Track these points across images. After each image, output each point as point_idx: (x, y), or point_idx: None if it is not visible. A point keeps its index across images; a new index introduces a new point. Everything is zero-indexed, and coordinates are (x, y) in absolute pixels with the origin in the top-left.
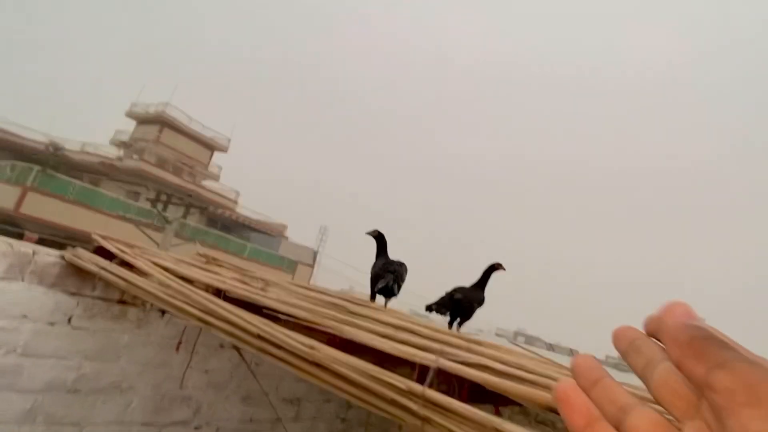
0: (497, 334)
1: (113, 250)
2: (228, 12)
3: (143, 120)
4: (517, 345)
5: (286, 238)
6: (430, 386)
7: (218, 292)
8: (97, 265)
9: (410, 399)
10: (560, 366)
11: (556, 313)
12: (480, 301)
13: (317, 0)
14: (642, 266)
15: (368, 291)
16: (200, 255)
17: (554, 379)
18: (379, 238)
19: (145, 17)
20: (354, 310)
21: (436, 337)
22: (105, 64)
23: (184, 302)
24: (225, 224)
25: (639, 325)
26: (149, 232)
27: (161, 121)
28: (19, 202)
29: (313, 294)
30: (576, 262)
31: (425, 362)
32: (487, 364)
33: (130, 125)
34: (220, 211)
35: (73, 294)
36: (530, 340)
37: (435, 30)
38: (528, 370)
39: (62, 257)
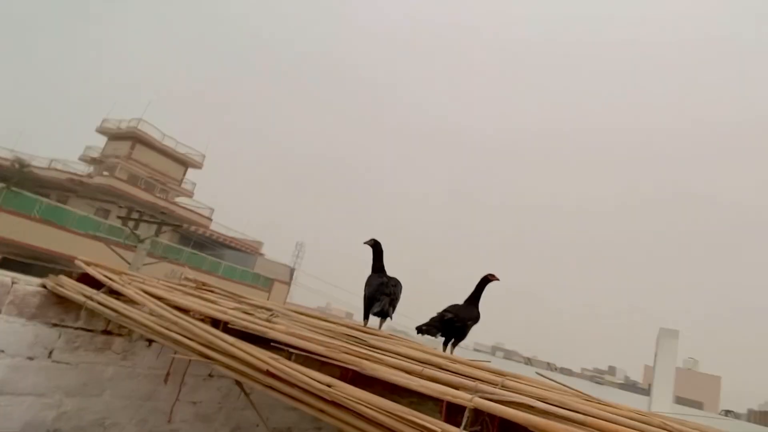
0: (475, 349)
1: (100, 278)
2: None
3: (115, 136)
4: (542, 375)
5: (262, 255)
6: (465, 428)
7: (216, 323)
8: (83, 294)
9: None
10: (602, 403)
11: (531, 327)
12: (474, 318)
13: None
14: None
15: (346, 308)
16: (188, 279)
17: (604, 420)
18: (376, 247)
19: (117, 29)
20: (372, 343)
21: (466, 372)
22: (74, 78)
23: (181, 335)
24: (199, 242)
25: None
26: (120, 251)
27: (133, 137)
28: None
29: (322, 324)
30: (551, 280)
31: (459, 402)
32: (528, 403)
33: (101, 141)
34: (193, 228)
35: (54, 325)
36: (509, 354)
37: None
38: (571, 408)
39: (44, 286)
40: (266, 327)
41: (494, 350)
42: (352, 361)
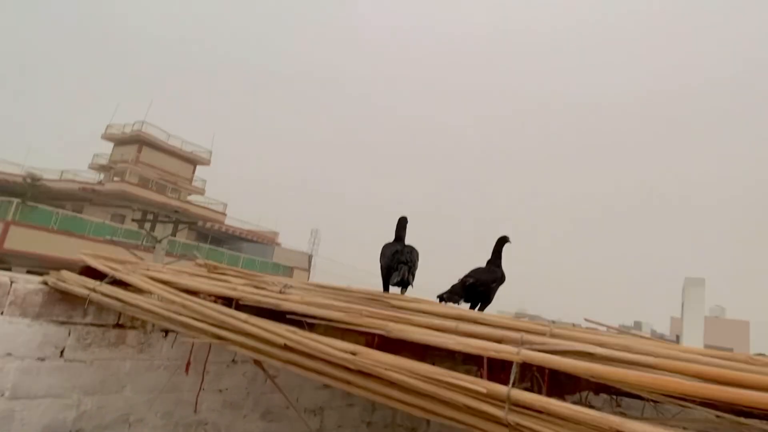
0: None
1: (103, 269)
2: (194, 18)
3: (121, 141)
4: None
5: (279, 244)
6: (514, 385)
7: (229, 302)
8: (86, 287)
9: (492, 404)
10: (665, 343)
11: (553, 288)
12: (498, 279)
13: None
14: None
15: (370, 289)
16: (201, 265)
17: (681, 360)
18: (400, 222)
19: (107, 32)
20: (396, 304)
21: (507, 324)
22: (74, 86)
23: (192, 318)
24: (216, 237)
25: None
26: (140, 253)
27: (139, 140)
28: (2, 237)
29: (340, 291)
30: (569, 239)
31: (504, 356)
32: (586, 350)
33: (108, 148)
34: (209, 224)
35: (62, 323)
36: (532, 319)
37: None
38: (638, 350)
39: (45, 283)
40: (280, 299)
41: (518, 317)
42: (375, 324)
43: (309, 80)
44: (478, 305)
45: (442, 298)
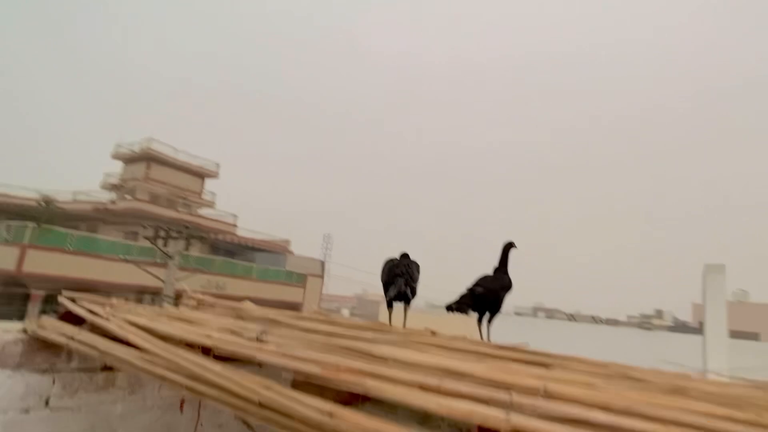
0: (516, 313)
1: (81, 313)
2: (195, 31)
3: (130, 159)
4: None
5: (291, 252)
6: None
7: (208, 349)
8: (64, 335)
9: None
10: (689, 379)
11: (570, 281)
12: (506, 287)
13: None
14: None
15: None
16: (191, 297)
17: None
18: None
19: (112, 52)
20: (377, 352)
21: (497, 377)
22: (82, 108)
23: (166, 369)
24: (228, 249)
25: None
26: (154, 269)
27: (148, 158)
28: (20, 261)
29: (327, 329)
30: (579, 225)
31: (492, 423)
32: (584, 417)
33: (118, 167)
34: (221, 237)
35: (46, 371)
36: (550, 313)
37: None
38: (642, 413)
39: (25, 330)
40: (254, 349)
41: (535, 311)
42: (352, 381)
43: (311, 95)
44: (486, 314)
45: (450, 308)
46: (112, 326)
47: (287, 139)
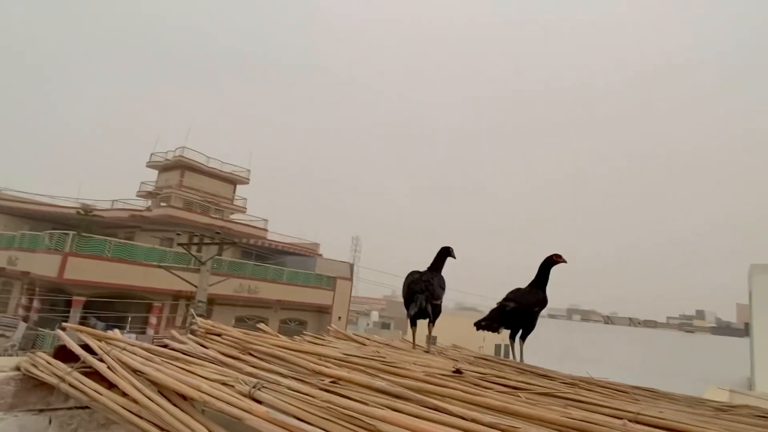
0: (550, 315)
1: (76, 350)
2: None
3: (164, 167)
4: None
5: (320, 255)
6: None
7: None
8: (55, 374)
9: None
10: None
11: (605, 281)
12: (539, 303)
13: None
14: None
15: None
16: (200, 326)
17: None
18: (440, 253)
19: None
20: (376, 414)
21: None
22: (117, 118)
23: (151, 424)
24: (259, 253)
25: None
26: (188, 275)
27: (181, 166)
28: (62, 268)
29: (333, 372)
30: (618, 228)
31: None
32: None
33: (154, 175)
34: (252, 241)
35: (41, 411)
36: (586, 315)
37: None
38: None
39: (18, 368)
40: (243, 409)
41: (570, 313)
42: None
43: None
44: (519, 331)
45: (480, 325)
46: (101, 366)
47: (316, 143)
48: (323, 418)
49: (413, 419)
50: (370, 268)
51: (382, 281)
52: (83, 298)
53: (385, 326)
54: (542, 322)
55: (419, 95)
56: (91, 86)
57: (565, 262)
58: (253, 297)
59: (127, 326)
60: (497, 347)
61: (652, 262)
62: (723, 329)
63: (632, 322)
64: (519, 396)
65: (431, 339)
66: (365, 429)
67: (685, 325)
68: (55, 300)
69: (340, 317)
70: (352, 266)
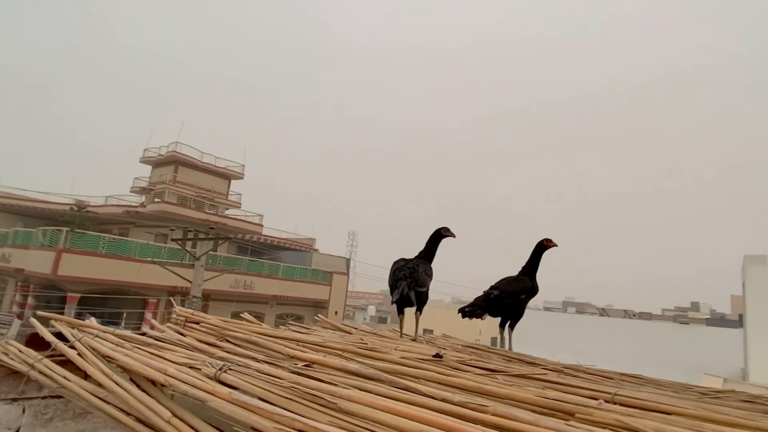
0: (546, 308)
1: (47, 337)
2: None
3: (158, 163)
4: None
5: (317, 250)
6: None
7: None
8: (26, 362)
9: None
10: None
11: (601, 274)
12: (527, 291)
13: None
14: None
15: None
16: (179, 315)
17: None
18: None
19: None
20: (347, 408)
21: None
22: (109, 116)
23: (116, 408)
24: (255, 249)
25: None
26: (182, 270)
27: (174, 161)
28: (56, 264)
29: (309, 356)
30: (612, 222)
31: None
32: None
33: (147, 170)
34: (248, 236)
35: (14, 400)
36: (581, 307)
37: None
38: None
39: None
40: (207, 391)
41: (565, 306)
42: None
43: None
44: (508, 320)
45: (464, 312)
46: (72, 353)
47: (312, 138)
48: (287, 398)
49: (377, 397)
50: (367, 263)
51: (379, 276)
52: (78, 295)
53: (382, 320)
54: (537, 314)
55: (423, 100)
56: (84, 83)
57: (555, 245)
58: (249, 292)
59: (122, 322)
60: (493, 340)
61: (649, 254)
62: (717, 321)
63: (627, 314)
64: (496, 378)
65: (419, 329)
66: (327, 407)
67: (680, 316)
68: (50, 297)
69: (336, 312)
70: (348, 261)
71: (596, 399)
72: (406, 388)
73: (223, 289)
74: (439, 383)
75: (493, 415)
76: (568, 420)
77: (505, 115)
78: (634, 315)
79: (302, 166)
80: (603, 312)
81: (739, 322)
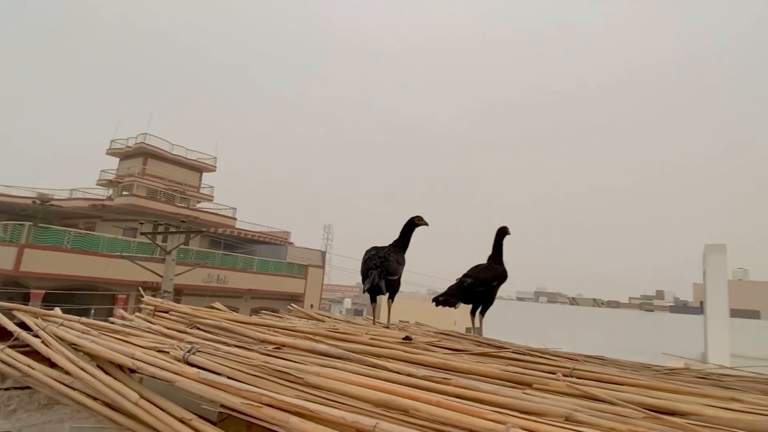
0: (518, 298)
1: (9, 327)
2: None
3: (125, 155)
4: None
5: (292, 244)
6: None
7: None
8: None
9: None
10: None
11: (572, 265)
12: (499, 277)
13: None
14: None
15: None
16: (148, 304)
17: None
18: (407, 226)
19: (100, 44)
20: (310, 381)
21: (450, 419)
22: (74, 106)
23: (83, 394)
24: (228, 242)
25: None
26: (153, 265)
27: (143, 153)
28: (18, 260)
29: (280, 339)
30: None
31: None
32: None
33: (114, 163)
34: (220, 230)
35: None
36: (552, 297)
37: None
38: None
39: None
40: (176, 372)
41: (537, 296)
42: (275, 419)
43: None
44: (479, 307)
45: (438, 301)
46: (35, 341)
47: (284, 130)
48: (255, 375)
49: (344, 373)
50: (344, 256)
51: (355, 269)
52: (42, 291)
53: (359, 313)
54: (510, 303)
55: (407, 92)
56: (46, 73)
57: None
58: (223, 287)
59: (91, 319)
60: (468, 330)
61: (618, 244)
62: (681, 308)
63: (596, 302)
64: (461, 356)
65: (391, 317)
66: (295, 383)
67: (646, 304)
68: (12, 294)
69: (312, 305)
70: (324, 254)
71: (555, 374)
72: (374, 366)
73: (195, 283)
74: (406, 361)
75: (455, 386)
76: (525, 390)
77: (486, 109)
78: (603, 303)
79: (278, 159)
80: (573, 301)
81: (700, 309)
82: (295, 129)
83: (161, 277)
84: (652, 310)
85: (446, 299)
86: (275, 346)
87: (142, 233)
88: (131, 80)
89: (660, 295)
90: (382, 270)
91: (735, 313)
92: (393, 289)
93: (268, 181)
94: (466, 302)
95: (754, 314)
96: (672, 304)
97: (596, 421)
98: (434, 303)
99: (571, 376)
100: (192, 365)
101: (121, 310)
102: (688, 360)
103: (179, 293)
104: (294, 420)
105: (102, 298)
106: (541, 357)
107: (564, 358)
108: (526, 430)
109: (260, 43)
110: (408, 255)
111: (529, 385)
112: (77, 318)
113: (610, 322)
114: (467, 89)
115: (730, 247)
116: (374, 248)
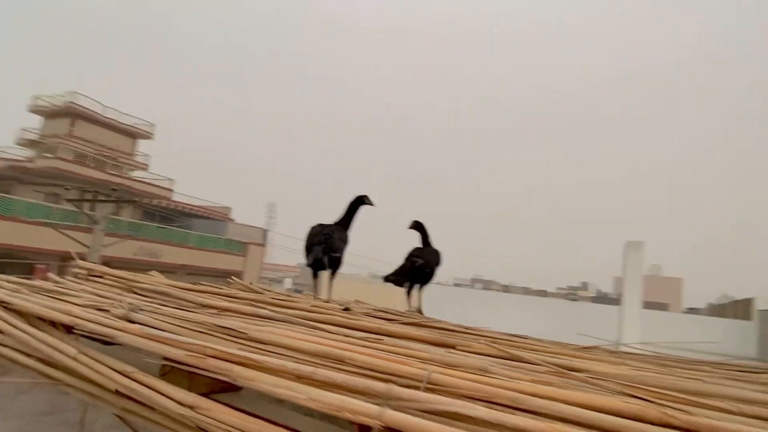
0: (456, 284)
1: None
2: None
3: (51, 114)
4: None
5: (232, 220)
6: None
7: (71, 329)
8: None
9: None
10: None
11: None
12: (440, 262)
13: None
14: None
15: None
16: (82, 268)
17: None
18: (353, 203)
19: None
20: (254, 335)
21: (377, 367)
22: None
23: (15, 350)
24: (164, 215)
25: None
26: (78, 234)
27: (71, 113)
28: None
29: (221, 304)
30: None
31: (363, 420)
32: (465, 411)
33: (37, 121)
34: (155, 201)
35: None
36: (487, 284)
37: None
38: (531, 406)
39: None
40: (117, 329)
41: (473, 282)
42: (219, 368)
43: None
44: (419, 286)
45: (389, 279)
46: None
47: (230, 99)
48: (199, 332)
49: (285, 331)
50: (287, 235)
51: (298, 248)
52: None
53: (299, 293)
54: (447, 289)
55: (374, 70)
56: None
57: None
58: (155, 261)
59: None
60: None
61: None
62: (602, 298)
63: (526, 290)
64: (393, 322)
65: (331, 293)
66: (238, 338)
67: (571, 294)
68: None
69: (251, 283)
70: (266, 232)
71: (479, 339)
72: (314, 328)
73: (125, 256)
74: (345, 326)
75: (387, 344)
76: (450, 351)
77: (450, 101)
78: (532, 292)
79: (223, 132)
80: (506, 288)
81: (618, 300)
82: (248, 103)
83: (87, 247)
84: (576, 300)
85: (396, 279)
86: (218, 311)
87: (67, 200)
88: (59, 29)
89: (584, 286)
90: (326, 246)
91: (647, 305)
92: (335, 265)
93: (211, 154)
94: (414, 282)
95: (664, 307)
96: (594, 295)
97: (508, 372)
98: (385, 281)
99: (493, 343)
100: (134, 323)
101: (51, 274)
102: (603, 343)
103: (107, 266)
104: (238, 369)
105: (18, 267)
106: (470, 332)
107: (491, 338)
108: (446, 376)
109: (216, 11)
110: (352, 237)
111: (454, 347)
112: (7, 277)
113: (538, 309)
114: (442, 79)
115: (649, 245)
116: (320, 225)
